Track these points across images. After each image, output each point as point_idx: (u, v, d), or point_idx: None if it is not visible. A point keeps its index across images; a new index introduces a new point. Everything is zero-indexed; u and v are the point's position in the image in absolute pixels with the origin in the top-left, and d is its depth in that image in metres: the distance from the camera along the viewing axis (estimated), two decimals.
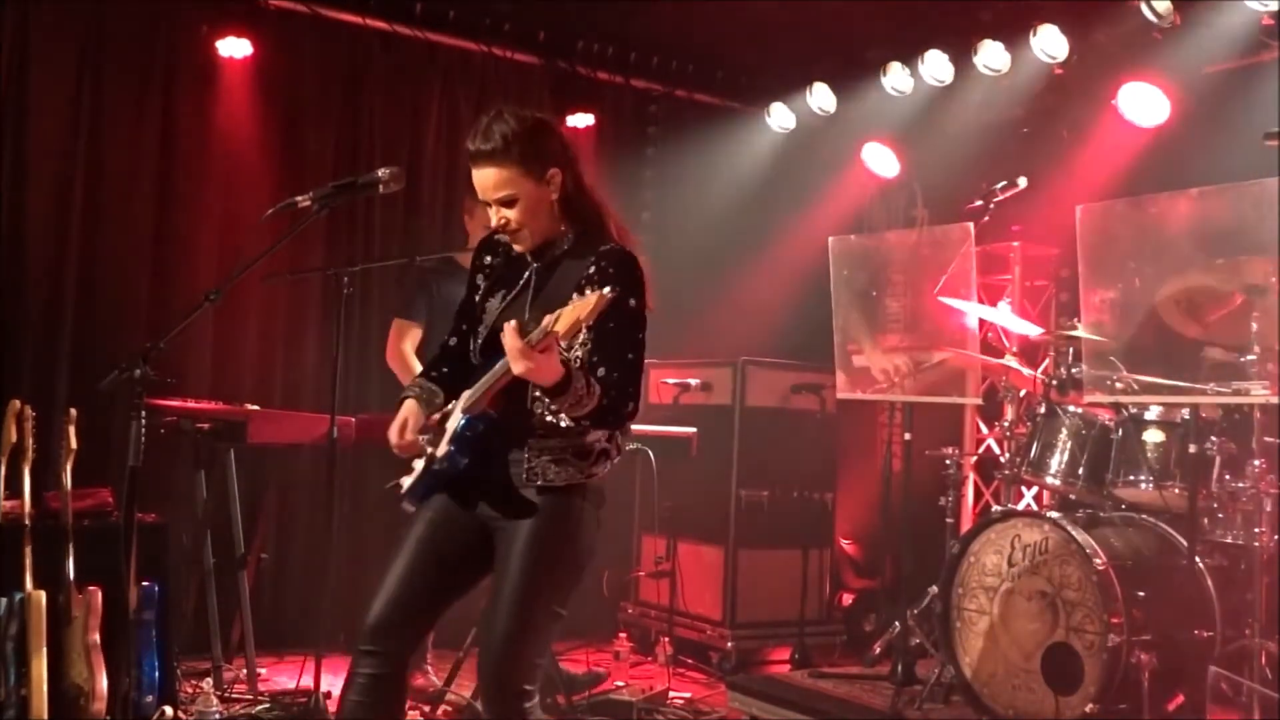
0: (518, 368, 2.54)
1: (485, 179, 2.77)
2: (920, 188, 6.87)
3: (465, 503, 2.84)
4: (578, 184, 2.85)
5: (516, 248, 2.86)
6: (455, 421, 2.78)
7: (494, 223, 2.83)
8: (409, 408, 2.88)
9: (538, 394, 2.72)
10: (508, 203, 2.78)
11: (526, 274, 2.87)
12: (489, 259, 2.99)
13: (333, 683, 4.85)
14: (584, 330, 2.65)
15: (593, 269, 2.74)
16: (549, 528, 2.74)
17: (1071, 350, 4.61)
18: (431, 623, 2.91)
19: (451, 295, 4.88)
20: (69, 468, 3.91)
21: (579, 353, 2.72)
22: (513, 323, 2.56)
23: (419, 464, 2.87)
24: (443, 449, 2.78)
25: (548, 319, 2.51)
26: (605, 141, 6.69)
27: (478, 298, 2.97)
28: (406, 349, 4.82)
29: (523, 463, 2.75)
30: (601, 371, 2.69)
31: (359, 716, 2.75)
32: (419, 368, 4.78)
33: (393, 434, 2.85)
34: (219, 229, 5.65)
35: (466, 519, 2.84)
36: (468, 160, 2.80)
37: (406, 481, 2.89)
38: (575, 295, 2.63)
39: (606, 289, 2.51)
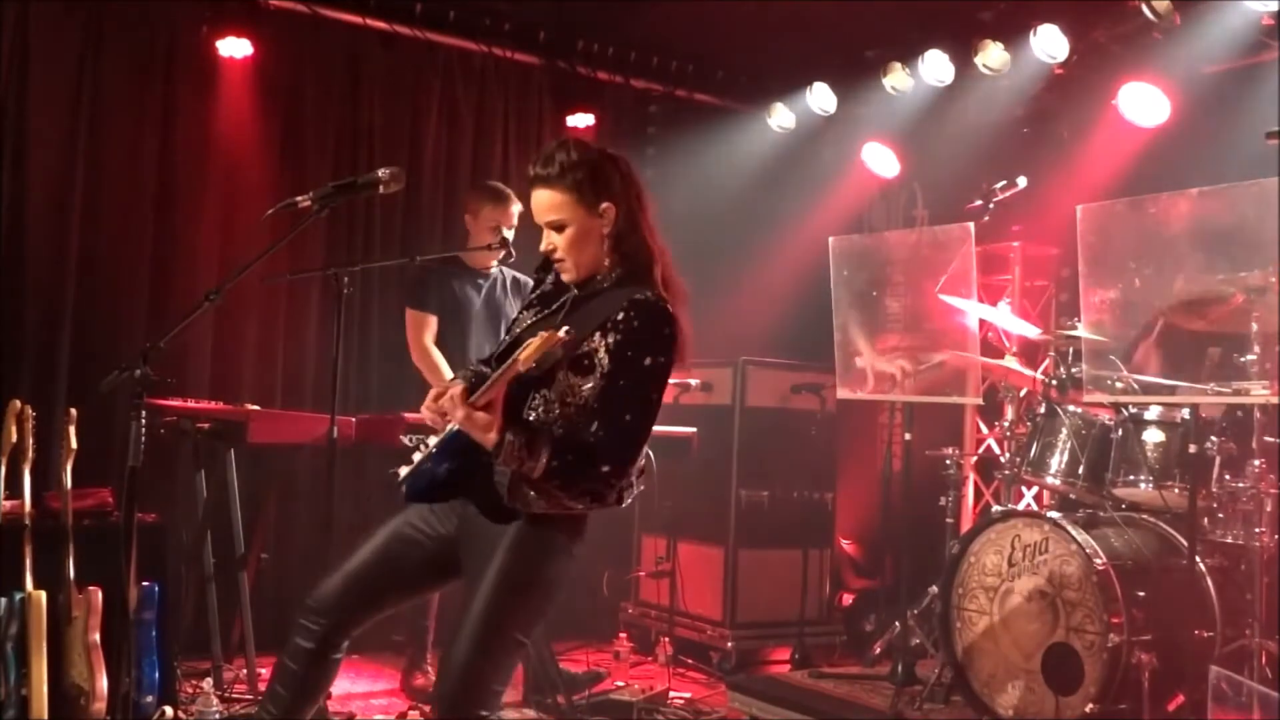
0: (454, 417, 2.63)
1: (539, 201, 2.82)
2: (920, 188, 6.87)
3: (443, 512, 2.86)
4: (632, 223, 2.84)
5: (563, 277, 2.88)
6: (450, 426, 2.79)
7: (544, 246, 2.85)
8: (456, 384, 2.89)
9: (532, 415, 2.73)
10: (557, 228, 2.81)
11: (565, 299, 2.88)
12: (546, 276, 3.00)
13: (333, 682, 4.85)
14: (598, 376, 2.68)
15: (620, 315, 2.71)
16: (519, 560, 2.72)
17: (1071, 350, 4.61)
18: (369, 617, 2.91)
19: (456, 293, 4.90)
20: (69, 468, 3.91)
21: (586, 396, 2.71)
22: (459, 383, 2.66)
23: (417, 457, 2.88)
24: (431, 447, 2.81)
25: (517, 351, 2.55)
26: (605, 141, 6.66)
27: (521, 308, 3.01)
28: (428, 342, 4.83)
29: (505, 480, 2.73)
30: (594, 426, 2.68)
31: (282, 682, 2.89)
32: (443, 360, 4.79)
33: (430, 396, 2.85)
34: (219, 229, 5.65)
35: (434, 535, 2.86)
36: (528, 185, 2.84)
37: (403, 472, 2.91)
38: (597, 333, 2.69)
39: (562, 331, 2.58)
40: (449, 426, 2.78)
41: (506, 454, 2.61)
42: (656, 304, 2.75)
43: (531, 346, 2.53)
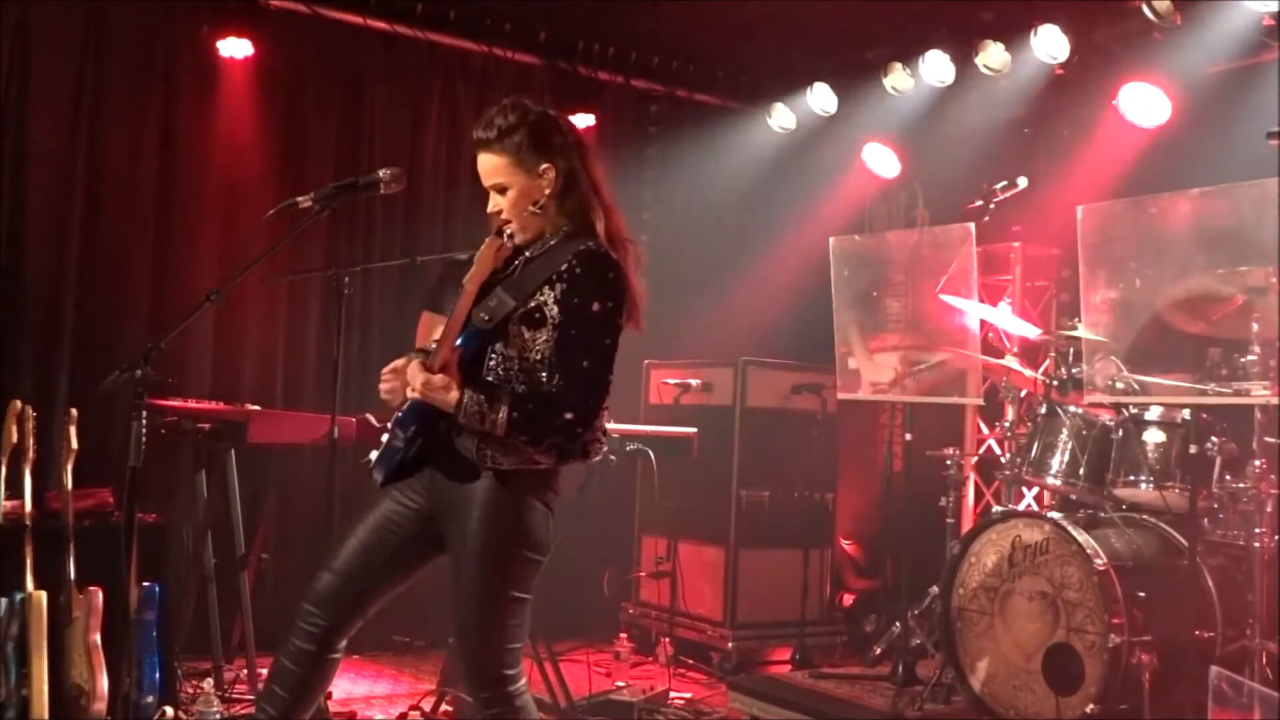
0: (412, 386, 2.72)
1: (482, 165, 2.89)
2: (921, 188, 6.87)
3: (414, 487, 2.87)
4: (573, 181, 2.89)
5: (513, 239, 2.90)
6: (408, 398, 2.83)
7: (490, 208, 2.90)
8: (405, 358, 2.94)
9: (490, 376, 2.78)
10: (500, 190, 2.87)
11: (517, 261, 2.92)
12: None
13: (332, 682, 4.85)
14: (549, 329, 2.74)
15: (565, 266, 2.78)
16: (492, 521, 2.76)
17: (1072, 350, 4.61)
18: (369, 609, 2.92)
19: None
20: (69, 468, 3.91)
21: (541, 350, 2.76)
22: (411, 357, 2.75)
23: (385, 438, 2.90)
24: (390, 426, 2.84)
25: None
26: (605, 141, 6.69)
27: None
28: None
29: (472, 443, 2.77)
30: (556, 378, 2.74)
31: (281, 683, 2.89)
32: None
33: (383, 373, 2.88)
34: (219, 229, 5.65)
35: (411, 512, 2.89)
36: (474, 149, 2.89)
37: (374, 457, 2.93)
38: (545, 286, 2.76)
39: (506, 235, 2.76)
40: (408, 399, 2.82)
41: (467, 412, 2.68)
42: (599, 251, 2.81)
43: (476, 263, 2.66)
